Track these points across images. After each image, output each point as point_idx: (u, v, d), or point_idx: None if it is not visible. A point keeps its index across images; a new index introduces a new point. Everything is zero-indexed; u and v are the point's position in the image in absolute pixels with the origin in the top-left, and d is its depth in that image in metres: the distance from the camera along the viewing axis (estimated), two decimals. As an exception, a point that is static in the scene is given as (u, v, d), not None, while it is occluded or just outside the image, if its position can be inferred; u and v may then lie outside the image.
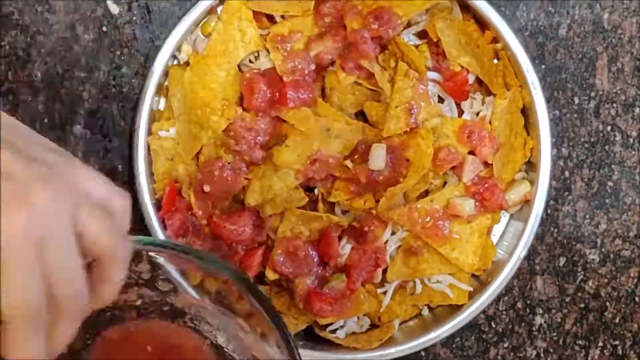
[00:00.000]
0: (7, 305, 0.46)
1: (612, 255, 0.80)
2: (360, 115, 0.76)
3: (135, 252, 0.56)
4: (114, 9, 0.76)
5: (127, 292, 0.66)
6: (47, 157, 0.50)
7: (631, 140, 0.79)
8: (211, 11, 0.76)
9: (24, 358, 0.47)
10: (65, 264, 0.48)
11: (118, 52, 0.77)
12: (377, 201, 0.74)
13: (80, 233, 0.48)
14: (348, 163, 0.75)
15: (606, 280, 0.80)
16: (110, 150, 0.77)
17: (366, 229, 0.75)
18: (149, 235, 0.75)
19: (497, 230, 0.79)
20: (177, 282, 0.68)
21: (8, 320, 0.46)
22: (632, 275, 0.80)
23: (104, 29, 0.76)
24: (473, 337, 0.80)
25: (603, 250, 0.80)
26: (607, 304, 0.80)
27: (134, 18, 0.77)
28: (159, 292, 0.67)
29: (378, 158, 0.74)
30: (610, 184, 0.79)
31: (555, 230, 0.80)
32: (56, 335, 0.49)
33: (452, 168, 0.75)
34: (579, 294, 0.80)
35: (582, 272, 0.80)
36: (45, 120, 0.77)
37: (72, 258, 0.48)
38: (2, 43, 0.76)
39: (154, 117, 0.76)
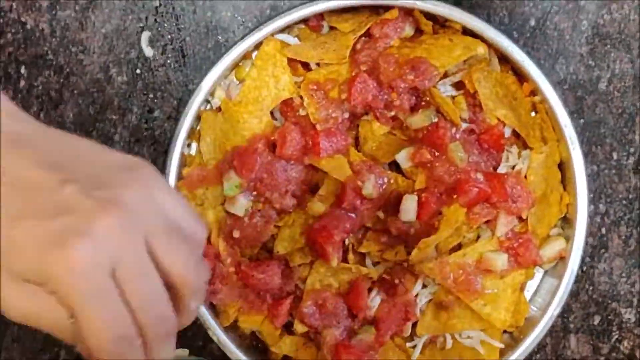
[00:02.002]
0: (98, 345, 0.47)
1: (648, 316, 0.82)
2: (394, 165, 0.79)
3: None
4: (149, 51, 0.80)
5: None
6: (114, 179, 0.50)
7: (671, 197, 0.82)
8: (246, 56, 0.79)
9: None
10: (146, 288, 0.48)
11: (151, 95, 0.80)
12: (409, 253, 0.77)
13: (155, 257, 0.49)
14: (379, 214, 0.77)
15: (642, 340, 0.82)
16: (140, 194, 0.80)
17: (396, 281, 0.78)
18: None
19: (531, 286, 0.81)
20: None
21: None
22: (668, 336, 0.82)
23: (138, 71, 0.80)
24: (504, 395, 0.82)
25: (639, 309, 0.82)
26: (643, 364, 0.82)
27: (168, 61, 0.80)
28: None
29: (409, 209, 0.76)
30: (647, 242, 0.82)
31: (591, 287, 0.82)
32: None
33: (486, 222, 0.78)
34: (614, 354, 0.82)
35: (617, 332, 0.82)
36: (76, 161, 0.80)
37: (152, 281, 0.49)
38: (35, 83, 0.80)
39: (185, 161, 0.79)
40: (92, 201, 0.48)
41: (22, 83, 0.80)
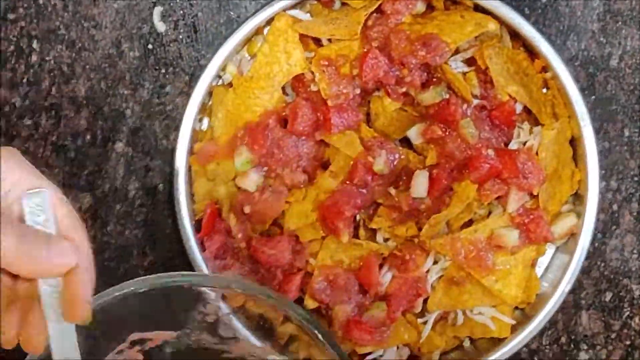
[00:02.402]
0: None
1: (659, 292, 0.83)
2: (405, 141, 0.80)
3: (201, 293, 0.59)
4: (161, 26, 0.81)
5: (190, 334, 0.69)
6: None
7: (682, 174, 0.82)
8: (258, 32, 0.80)
9: None
10: None
11: (163, 71, 0.81)
12: (420, 229, 0.78)
13: None
14: (391, 190, 0.78)
15: (653, 317, 0.83)
16: (152, 169, 0.81)
17: (407, 257, 0.78)
18: (189, 261, 0.79)
19: (542, 262, 0.82)
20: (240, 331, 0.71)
21: None
22: (680, 313, 0.83)
23: (150, 46, 0.81)
24: (515, 372, 0.83)
25: (651, 286, 0.83)
26: (654, 341, 0.83)
27: (180, 37, 0.81)
28: (219, 338, 0.71)
29: (420, 185, 0.77)
30: (659, 218, 0.82)
31: (602, 264, 0.83)
32: None
33: (497, 198, 0.78)
34: (625, 331, 0.83)
35: (629, 308, 0.83)
36: (88, 136, 0.81)
37: None
38: (47, 58, 0.81)
39: (196, 137, 0.80)
40: None
41: (34, 57, 0.80)
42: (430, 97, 0.78)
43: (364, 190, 0.78)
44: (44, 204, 0.57)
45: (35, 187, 0.57)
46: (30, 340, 0.57)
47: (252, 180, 0.78)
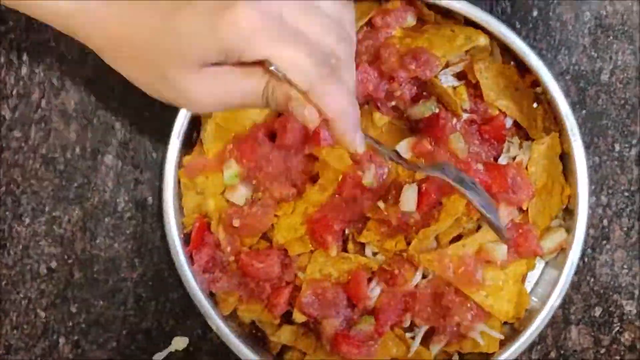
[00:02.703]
0: (304, 80, 0.57)
1: (649, 308, 0.83)
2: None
3: None
4: (150, 39, 0.81)
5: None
6: None
7: (673, 189, 0.82)
8: (247, 45, 0.80)
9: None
10: (317, 19, 0.57)
11: (152, 83, 0.81)
12: (409, 243, 0.78)
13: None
14: (380, 204, 0.78)
15: (643, 333, 0.83)
16: (141, 182, 0.82)
17: (396, 271, 0.78)
18: (178, 274, 0.79)
19: (532, 277, 0.82)
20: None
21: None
22: (669, 329, 0.83)
23: (139, 59, 0.81)
24: (504, 386, 0.83)
25: (640, 302, 0.83)
26: (644, 357, 0.83)
27: (170, 49, 0.81)
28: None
29: (409, 199, 0.77)
30: (650, 234, 0.82)
31: (592, 279, 0.83)
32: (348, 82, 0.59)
33: (487, 213, 0.79)
34: (615, 346, 0.83)
35: (619, 324, 0.83)
36: (77, 149, 0.81)
37: (318, 12, 0.58)
38: (37, 70, 0.81)
39: (185, 150, 0.80)
40: None
41: (24, 70, 0.81)
42: (419, 111, 0.78)
43: (353, 204, 0.78)
44: None
45: None
46: None
47: (241, 194, 0.79)
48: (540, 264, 0.82)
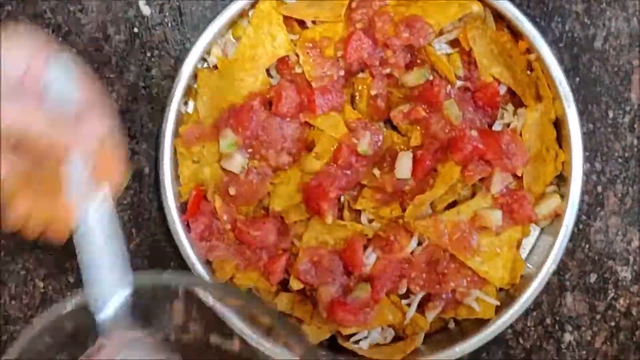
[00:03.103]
0: None
1: (644, 273, 0.84)
2: (389, 122, 0.81)
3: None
4: (146, 10, 0.82)
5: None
6: None
7: (667, 156, 0.83)
8: (243, 14, 0.81)
9: None
10: None
11: (148, 54, 0.82)
12: (404, 210, 0.79)
13: None
14: (375, 171, 0.79)
15: (638, 298, 0.83)
16: (138, 152, 0.83)
17: (392, 238, 0.79)
18: (174, 243, 0.80)
19: (527, 244, 0.83)
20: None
21: None
22: (664, 294, 0.84)
23: (135, 30, 0.82)
24: (500, 353, 0.84)
25: (635, 267, 0.83)
26: (639, 323, 0.84)
27: (166, 20, 0.82)
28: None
29: (404, 166, 0.78)
30: (644, 200, 0.83)
31: (587, 246, 0.83)
32: None
33: (481, 179, 0.79)
34: (610, 312, 0.84)
35: (614, 290, 0.84)
36: (74, 120, 0.82)
37: None
38: (34, 42, 0.82)
39: (181, 120, 0.81)
40: None
41: (21, 41, 0.82)
42: (414, 78, 0.79)
43: (348, 172, 0.79)
44: (68, 70, 0.59)
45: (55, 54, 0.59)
46: (58, 225, 0.60)
47: (237, 162, 0.79)
48: (535, 231, 0.83)
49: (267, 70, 0.80)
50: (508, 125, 0.80)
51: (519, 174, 0.80)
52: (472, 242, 0.79)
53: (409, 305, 0.81)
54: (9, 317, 0.83)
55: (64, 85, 0.58)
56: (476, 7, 0.79)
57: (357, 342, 0.81)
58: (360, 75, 0.80)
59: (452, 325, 0.83)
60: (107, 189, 0.59)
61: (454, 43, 0.81)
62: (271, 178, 0.80)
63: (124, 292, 0.59)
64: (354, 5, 0.80)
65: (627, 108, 0.83)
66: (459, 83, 0.80)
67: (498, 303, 0.81)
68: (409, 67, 0.80)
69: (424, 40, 0.78)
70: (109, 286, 0.59)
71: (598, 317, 0.84)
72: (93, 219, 0.59)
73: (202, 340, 0.68)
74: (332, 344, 0.82)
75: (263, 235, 0.79)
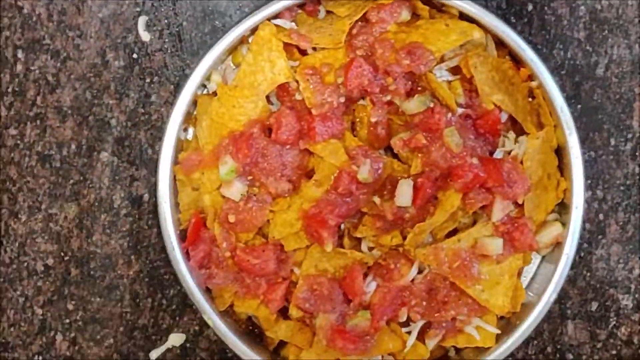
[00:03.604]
0: None
1: (646, 302, 0.84)
2: (390, 150, 0.81)
3: None
4: (145, 36, 0.82)
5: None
6: None
7: (669, 183, 0.83)
8: (242, 40, 0.81)
9: None
10: None
11: (148, 80, 0.82)
12: (405, 238, 0.79)
13: None
14: (375, 199, 0.79)
15: (639, 327, 0.84)
16: (137, 179, 0.83)
17: (392, 266, 0.79)
18: (173, 269, 0.80)
19: (528, 272, 0.83)
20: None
21: None
22: (666, 323, 0.84)
23: (135, 56, 0.82)
24: (501, 381, 0.84)
25: (637, 296, 0.83)
26: (640, 351, 0.84)
27: (165, 46, 0.82)
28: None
29: (405, 194, 0.78)
30: (645, 228, 0.83)
31: (588, 274, 0.83)
32: None
33: (482, 207, 0.79)
34: (611, 340, 0.84)
35: (615, 318, 0.84)
36: (73, 146, 0.82)
37: None
38: (32, 67, 0.82)
39: (181, 146, 0.81)
40: None
41: (19, 67, 0.82)
42: (414, 105, 0.79)
43: (349, 199, 0.79)
44: None
45: None
46: None
47: (236, 189, 0.79)
48: (536, 259, 0.83)
49: (267, 97, 0.80)
50: (509, 152, 0.80)
51: (520, 202, 0.79)
52: (472, 270, 0.79)
53: (409, 333, 0.81)
54: (7, 345, 0.83)
55: None
56: (477, 34, 0.79)
57: (357, 370, 0.81)
58: (361, 102, 0.80)
59: (452, 353, 0.83)
60: None
61: (455, 70, 0.81)
62: (271, 205, 0.80)
63: None
64: (354, 31, 0.79)
65: (629, 135, 0.83)
66: (460, 110, 0.79)
67: (499, 331, 0.80)
68: (409, 94, 0.80)
69: (424, 67, 0.78)
70: None
71: (599, 345, 0.84)
72: None
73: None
74: (332, 372, 0.82)
75: (262, 262, 0.79)
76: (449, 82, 0.80)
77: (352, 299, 0.79)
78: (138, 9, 0.81)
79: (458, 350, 0.82)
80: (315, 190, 0.79)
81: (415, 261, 0.79)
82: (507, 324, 0.81)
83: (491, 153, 0.80)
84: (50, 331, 0.83)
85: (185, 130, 0.81)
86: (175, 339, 0.83)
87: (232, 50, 0.81)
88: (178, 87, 0.82)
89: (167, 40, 0.82)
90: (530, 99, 0.81)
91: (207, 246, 0.80)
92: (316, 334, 0.80)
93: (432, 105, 0.79)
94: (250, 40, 0.81)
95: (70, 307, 0.83)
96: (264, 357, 0.81)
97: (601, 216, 0.83)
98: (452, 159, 0.78)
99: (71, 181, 0.82)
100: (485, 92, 0.79)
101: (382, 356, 0.81)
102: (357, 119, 0.81)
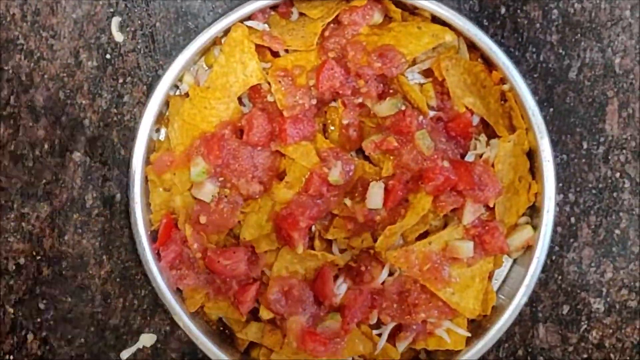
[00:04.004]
0: None
1: (617, 305, 0.83)
2: (361, 152, 0.81)
3: None
4: (119, 36, 0.82)
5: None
6: None
7: (642, 187, 0.83)
8: (215, 42, 0.81)
9: None
10: None
11: (121, 80, 0.82)
12: (375, 240, 0.79)
13: None
14: (346, 201, 0.79)
15: (611, 330, 0.84)
16: (109, 179, 0.83)
17: (363, 268, 0.79)
18: (144, 269, 0.80)
19: (500, 275, 0.83)
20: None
21: None
22: (637, 326, 0.84)
23: (108, 56, 0.82)
24: (472, 384, 0.84)
25: (608, 299, 0.83)
26: (612, 355, 0.84)
27: (138, 46, 0.82)
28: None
29: (376, 196, 0.78)
30: (617, 232, 0.83)
31: (560, 277, 0.84)
32: None
33: (453, 210, 0.79)
34: (583, 344, 0.84)
35: (586, 322, 0.84)
36: (46, 146, 0.82)
37: None
38: (6, 67, 0.82)
39: (153, 147, 0.81)
40: None
41: (-8, 67, 0.82)
42: (386, 108, 0.79)
43: (320, 201, 0.79)
44: None
45: None
46: None
47: (207, 191, 0.80)
48: (507, 262, 0.83)
49: (239, 98, 0.80)
50: (481, 155, 0.80)
51: (491, 205, 0.80)
52: (443, 273, 0.79)
53: (379, 335, 0.81)
54: (-22, 343, 0.83)
55: None
56: (449, 37, 0.79)
57: (328, 372, 0.82)
58: (333, 104, 0.80)
59: (423, 355, 0.83)
60: None
61: (427, 73, 0.81)
62: (242, 207, 0.80)
63: None
64: (326, 33, 0.80)
65: (601, 139, 0.83)
66: (431, 113, 0.80)
67: (469, 334, 0.81)
68: (381, 96, 0.80)
69: (396, 69, 0.78)
70: None
71: (571, 349, 0.84)
72: None
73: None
74: (303, 373, 0.82)
75: (233, 264, 0.80)
76: (421, 84, 0.81)
77: (323, 301, 0.79)
78: (112, 10, 0.82)
79: (429, 353, 0.83)
80: (286, 192, 0.79)
81: (386, 263, 0.79)
82: (478, 326, 0.82)
83: (462, 156, 0.81)
84: (22, 330, 0.83)
85: (158, 130, 0.82)
86: (146, 339, 0.83)
87: (205, 51, 0.81)
88: (150, 88, 0.82)
89: (140, 41, 0.82)
90: (502, 102, 0.81)
91: (178, 247, 0.81)
92: (287, 336, 0.80)
93: (403, 108, 0.79)
94: (223, 41, 0.81)
95: (41, 306, 0.83)
96: (235, 358, 0.81)
97: (573, 219, 0.83)
98: (424, 162, 0.78)
99: (44, 181, 0.83)
100: (457, 95, 0.79)
101: (353, 358, 0.81)
102: (329, 121, 0.81)
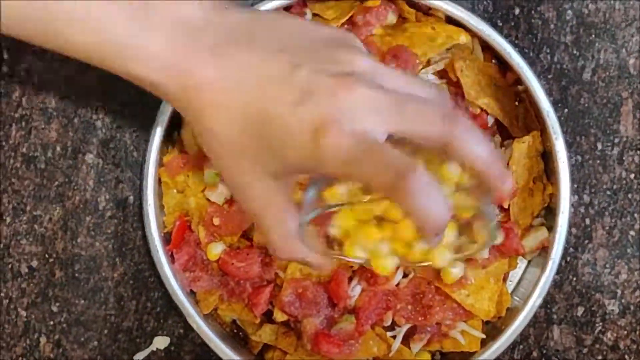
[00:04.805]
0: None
1: (632, 307, 0.83)
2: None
3: None
4: (132, 38, 0.82)
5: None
6: (333, 54, 0.58)
7: (656, 188, 0.83)
8: (229, 44, 0.81)
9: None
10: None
11: (134, 82, 0.82)
12: (390, 242, 0.79)
13: None
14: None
15: (625, 332, 0.84)
16: (122, 181, 0.83)
17: (377, 270, 0.79)
18: (157, 272, 0.80)
19: (514, 277, 0.83)
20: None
21: None
22: (652, 328, 0.84)
23: (120, 57, 0.82)
24: (486, 386, 0.84)
25: (623, 301, 0.83)
26: (626, 356, 0.84)
27: (151, 48, 0.82)
28: None
29: (391, 199, 0.78)
30: (632, 233, 0.83)
31: (574, 278, 0.84)
32: None
33: (468, 211, 0.80)
34: (597, 346, 0.84)
35: (601, 323, 0.84)
36: (58, 148, 0.82)
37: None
38: (18, 68, 0.82)
39: (167, 149, 0.81)
40: (329, 79, 0.54)
41: (5, 68, 0.82)
42: (400, 109, 0.79)
43: (335, 202, 0.79)
44: None
45: None
46: None
47: (221, 193, 0.80)
48: (522, 263, 0.83)
49: (253, 100, 0.80)
50: (495, 157, 0.80)
51: (506, 206, 0.80)
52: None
53: (394, 337, 0.81)
54: (-10, 346, 0.83)
55: None
56: (464, 38, 0.79)
57: (342, 374, 0.82)
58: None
59: (438, 357, 0.83)
60: None
61: (442, 74, 0.81)
62: (256, 209, 0.80)
63: None
64: (340, 34, 0.80)
65: (616, 140, 0.83)
66: (446, 114, 0.80)
67: (484, 336, 0.81)
68: (395, 98, 0.80)
69: (411, 70, 0.78)
70: None
71: (585, 350, 0.84)
72: None
73: None
74: (317, 375, 0.82)
75: (247, 266, 0.80)
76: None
77: (337, 302, 0.79)
78: (125, 11, 0.82)
79: (443, 355, 0.83)
80: (300, 193, 0.79)
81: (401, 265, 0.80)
82: (492, 328, 0.82)
83: (477, 157, 0.80)
84: (34, 333, 0.83)
85: (171, 132, 0.82)
86: (160, 342, 0.83)
87: (219, 53, 0.81)
88: (164, 89, 0.82)
89: (153, 41, 0.82)
90: (516, 103, 0.81)
91: (192, 249, 0.81)
92: (301, 338, 0.80)
93: (418, 108, 0.79)
94: (236, 43, 0.81)
95: (54, 309, 0.83)
96: (249, 360, 0.81)
97: (587, 221, 0.83)
98: (438, 163, 0.78)
99: (56, 183, 0.83)
100: (472, 96, 0.79)
101: (367, 360, 0.82)
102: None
